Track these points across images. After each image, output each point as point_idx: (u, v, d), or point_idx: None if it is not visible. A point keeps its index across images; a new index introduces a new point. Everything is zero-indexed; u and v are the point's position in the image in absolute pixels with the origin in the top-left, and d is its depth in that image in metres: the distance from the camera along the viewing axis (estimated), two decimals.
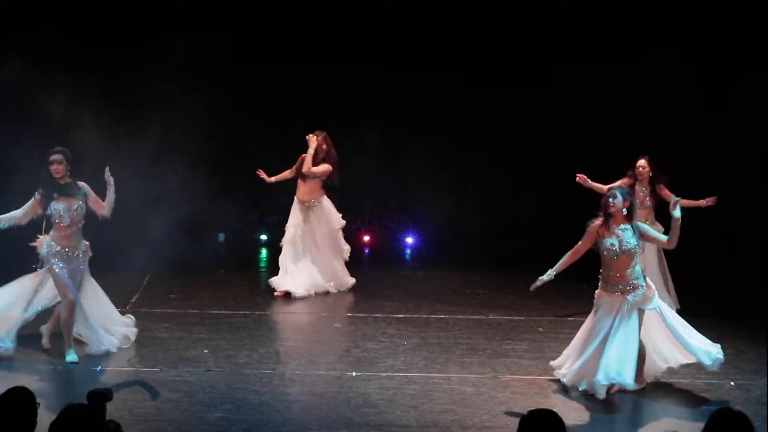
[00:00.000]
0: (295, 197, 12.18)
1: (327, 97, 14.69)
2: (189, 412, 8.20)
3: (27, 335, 10.16)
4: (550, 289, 12.42)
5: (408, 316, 11.33)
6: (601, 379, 8.53)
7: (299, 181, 12.13)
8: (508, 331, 10.75)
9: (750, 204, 13.28)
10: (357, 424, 8.08)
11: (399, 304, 11.77)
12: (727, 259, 13.19)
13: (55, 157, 9.35)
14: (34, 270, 9.57)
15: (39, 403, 4.96)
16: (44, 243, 9.48)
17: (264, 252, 14.85)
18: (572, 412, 8.22)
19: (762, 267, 12.54)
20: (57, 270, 9.38)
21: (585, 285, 12.62)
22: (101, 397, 4.95)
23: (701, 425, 4.90)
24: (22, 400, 4.91)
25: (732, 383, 9.19)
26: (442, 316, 11.26)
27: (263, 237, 15.13)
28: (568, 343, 10.25)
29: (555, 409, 4.90)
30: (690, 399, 8.81)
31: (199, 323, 10.80)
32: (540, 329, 10.82)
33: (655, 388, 9.01)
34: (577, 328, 10.74)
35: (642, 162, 11.38)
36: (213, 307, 11.44)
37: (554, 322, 11.09)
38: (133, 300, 11.64)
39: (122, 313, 11.08)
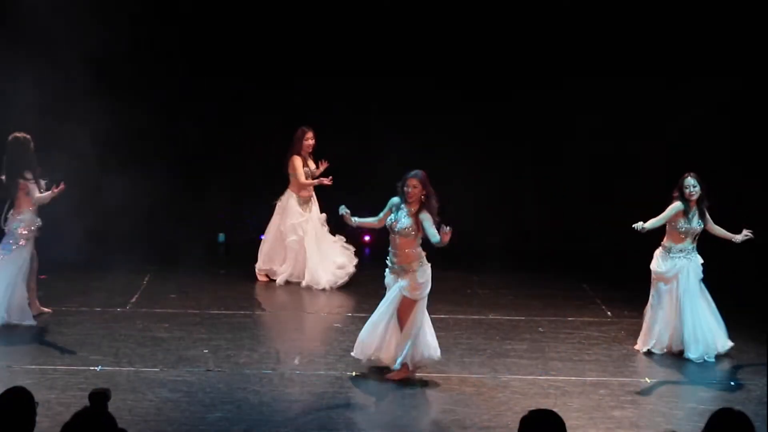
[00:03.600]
0: (295, 195, 12.44)
1: (329, 97, 14.68)
2: (189, 412, 8.20)
3: (26, 336, 10.18)
4: (550, 289, 12.52)
5: None
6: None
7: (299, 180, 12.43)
8: (508, 331, 10.75)
9: (749, 204, 13.27)
10: (357, 424, 8.08)
11: None
12: (727, 260, 13.18)
13: None
14: None
15: (38, 403, 4.95)
16: None
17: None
18: (572, 412, 8.22)
19: (762, 267, 12.54)
20: None
21: (585, 285, 12.69)
22: (103, 396, 4.96)
23: (701, 425, 4.90)
24: (20, 400, 4.91)
25: (732, 383, 9.19)
26: (442, 316, 11.25)
27: (262, 237, 15.10)
28: (568, 343, 10.30)
29: (555, 409, 4.90)
30: (690, 399, 8.81)
31: (199, 323, 10.80)
32: (540, 329, 10.81)
33: (655, 388, 9.01)
34: (578, 329, 10.82)
35: (691, 181, 9.90)
36: (213, 307, 11.43)
37: (554, 322, 11.08)
38: (133, 300, 11.64)
39: (121, 313, 11.14)
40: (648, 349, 10.01)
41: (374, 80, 14.56)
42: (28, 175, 10.33)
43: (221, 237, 15.24)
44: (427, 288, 9.03)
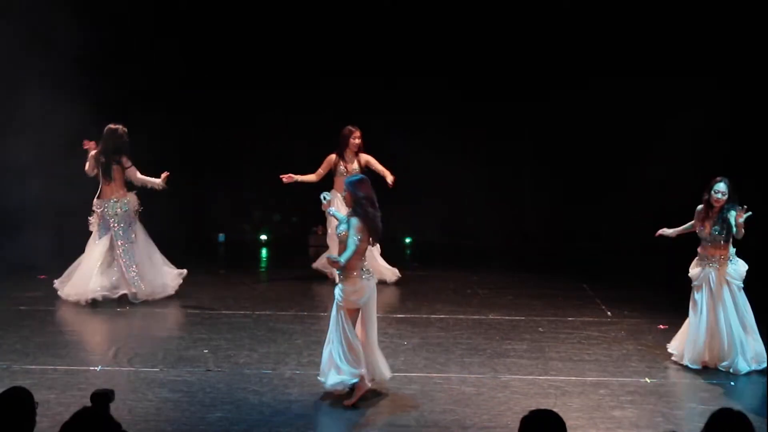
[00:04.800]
0: (339, 194, 12.29)
1: (330, 98, 14.70)
2: (189, 412, 8.20)
3: (26, 336, 10.19)
4: (550, 289, 12.53)
5: (408, 316, 11.33)
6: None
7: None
8: (508, 331, 10.75)
9: (749, 204, 13.26)
10: (357, 424, 8.08)
11: (399, 304, 11.78)
12: None
13: None
14: None
15: (37, 403, 4.95)
16: None
17: (264, 252, 14.85)
18: (572, 412, 8.21)
19: (761, 267, 12.51)
20: None
21: (585, 285, 12.69)
22: (105, 397, 4.96)
23: (701, 425, 4.90)
24: (20, 400, 4.91)
25: (732, 383, 9.19)
26: (442, 316, 11.26)
27: (263, 237, 15.13)
28: (568, 344, 10.29)
29: (555, 409, 4.90)
30: (690, 399, 8.80)
31: (199, 323, 10.80)
32: (540, 329, 10.81)
33: (655, 388, 9.01)
34: (578, 329, 10.81)
35: (722, 187, 9.28)
36: (213, 307, 11.44)
37: (554, 322, 11.08)
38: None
39: (121, 313, 11.16)
40: (679, 359, 9.61)
41: (374, 80, 14.58)
42: (127, 162, 11.45)
43: (221, 237, 15.26)
44: (359, 299, 8.41)
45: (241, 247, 14.92)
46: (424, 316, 11.30)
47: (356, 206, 8.38)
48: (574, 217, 14.94)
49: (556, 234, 15.07)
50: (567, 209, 15.01)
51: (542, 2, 14.71)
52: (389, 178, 12.22)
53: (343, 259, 8.20)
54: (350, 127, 12.39)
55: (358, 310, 8.48)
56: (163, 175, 11.46)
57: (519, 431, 4.74)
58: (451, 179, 15.07)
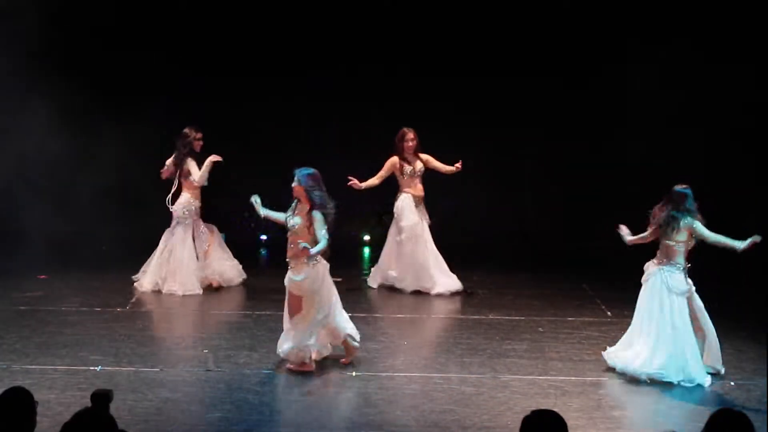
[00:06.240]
0: (409, 195, 12.27)
1: (331, 98, 14.71)
2: (189, 412, 8.20)
3: (26, 336, 10.19)
4: (550, 289, 12.53)
5: (408, 316, 11.33)
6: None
7: (412, 179, 12.29)
8: (508, 331, 10.75)
9: (748, 203, 13.27)
10: (357, 424, 8.08)
11: (399, 304, 11.78)
12: (726, 259, 13.17)
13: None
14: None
15: (37, 403, 4.96)
16: None
17: (264, 252, 14.85)
18: (572, 412, 8.21)
19: (761, 267, 12.52)
20: None
21: (585, 285, 12.69)
22: (105, 397, 4.96)
23: (701, 425, 4.90)
24: (20, 400, 4.91)
25: (732, 383, 9.19)
26: (442, 316, 11.26)
27: (263, 237, 15.12)
28: (568, 343, 10.29)
29: (555, 409, 4.90)
30: (690, 399, 8.80)
31: (200, 323, 10.80)
32: (540, 329, 10.81)
33: (655, 388, 9.01)
34: (578, 329, 10.82)
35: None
36: (214, 307, 11.44)
37: (554, 322, 11.08)
38: (133, 300, 11.65)
39: (121, 313, 11.16)
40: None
41: (374, 80, 14.57)
42: (191, 163, 11.99)
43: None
44: (314, 285, 9.07)
45: (241, 247, 14.90)
46: (424, 316, 11.30)
47: (319, 201, 8.94)
48: (574, 217, 14.93)
49: (556, 234, 15.07)
50: (567, 209, 14.99)
51: (542, 2, 14.70)
52: (457, 166, 12.29)
53: (315, 250, 8.85)
54: (404, 129, 12.30)
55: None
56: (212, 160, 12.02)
57: (520, 431, 4.74)
58: (451, 178, 15.04)
